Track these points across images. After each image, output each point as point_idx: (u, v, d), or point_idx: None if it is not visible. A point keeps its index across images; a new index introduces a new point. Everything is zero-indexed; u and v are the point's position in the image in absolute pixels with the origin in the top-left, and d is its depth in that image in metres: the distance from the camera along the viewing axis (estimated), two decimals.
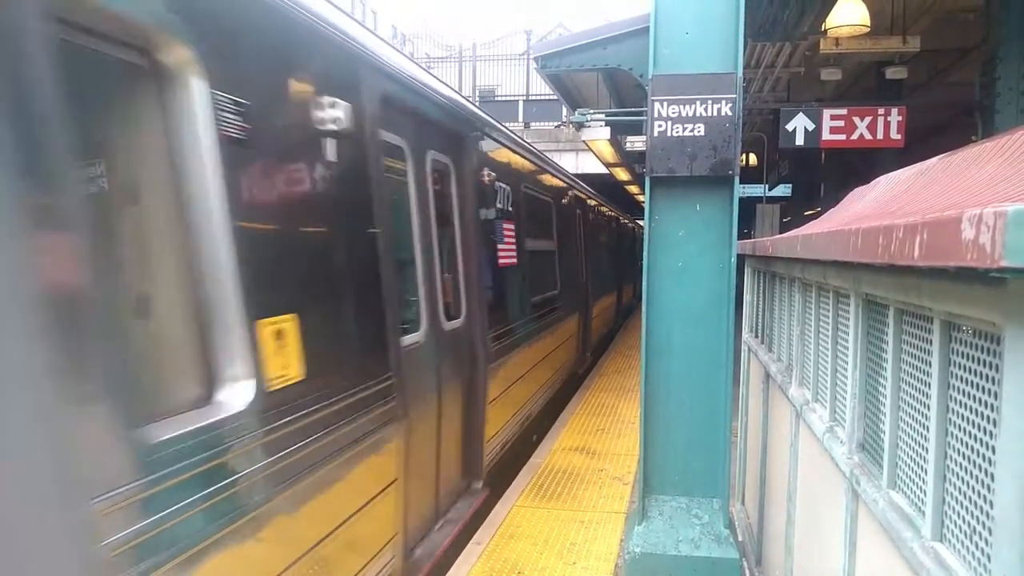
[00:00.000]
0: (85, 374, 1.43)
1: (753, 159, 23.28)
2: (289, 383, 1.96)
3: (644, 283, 4.01)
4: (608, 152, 10.68)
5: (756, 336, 4.85)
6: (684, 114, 3.80)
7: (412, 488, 3.19)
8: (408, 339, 3.12)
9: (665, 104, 3.79)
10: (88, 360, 1.43)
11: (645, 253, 4.03)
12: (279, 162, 2.06)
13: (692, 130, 3.85)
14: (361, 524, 2.38)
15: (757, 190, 21.34)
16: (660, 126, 3.82)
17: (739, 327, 4.80)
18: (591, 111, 7.80)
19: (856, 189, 3.62)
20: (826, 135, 8.46)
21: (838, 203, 3.81)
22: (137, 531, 1.55)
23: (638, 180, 17.66)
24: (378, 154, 2.72)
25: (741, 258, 4.86)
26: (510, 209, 5.31)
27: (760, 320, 4.56)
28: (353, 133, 2.43)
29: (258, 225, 1.98)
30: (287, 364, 2.01)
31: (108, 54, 1.71)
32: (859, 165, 14.86)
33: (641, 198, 29.38)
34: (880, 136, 8.27)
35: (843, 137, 8.45)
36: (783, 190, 20.99)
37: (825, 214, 3.99)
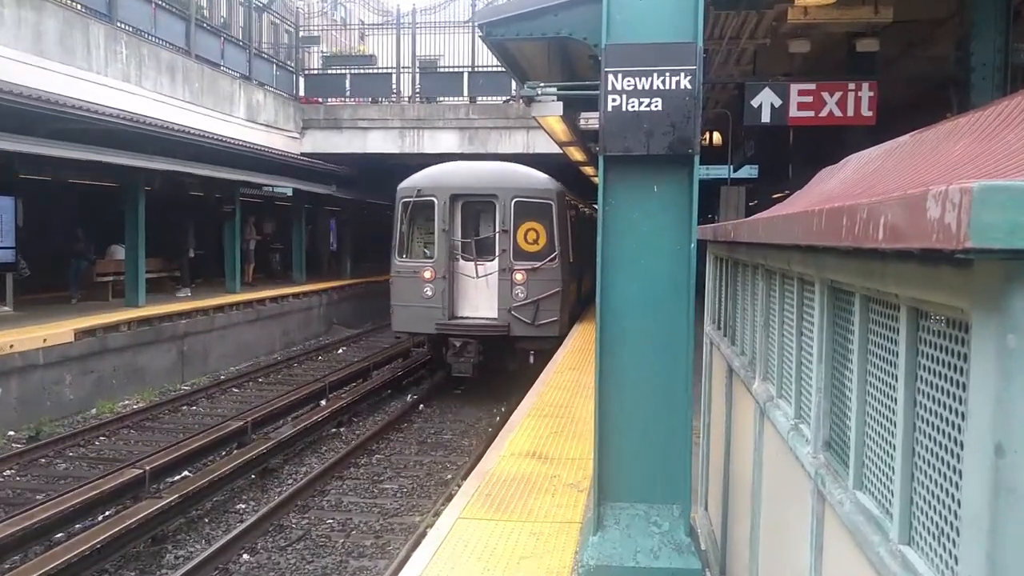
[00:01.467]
0: None
1: (717, 138, 23.55)
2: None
3: (598, 271, 4.02)
4: (560, 130, 10.68)
5: (718, 328, 4.90)
6: (640, 87, 3.81)
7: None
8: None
9: (620, 76, 3.79)
10: None
11: (599, 238, 4.03)
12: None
13: (649, 105, 3.85)
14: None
15: (721, 171, 21.63)
16: (614, 100, 3.83)
17: (700, 319, 4.86)
18: (542, 84, 7.79)
19: (824, 169, 3.69)
20: (794, 112, 8.61)
21: (806, 185, 3.87)
22: None
23: (594, 161, 17.72)
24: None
25: (703, 245, 4.92)
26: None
27: (722, 311, 4.62)
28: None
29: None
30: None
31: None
32: (829, 144, 15.15)
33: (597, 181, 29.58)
34: (851, 113, 8.47)
35: (812, 114, 8.62)
36: (749, 171, 21.31)
37: (792, 196, 4.05)
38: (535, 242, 14.75)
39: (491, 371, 15.31)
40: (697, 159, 3.89)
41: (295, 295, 22.63)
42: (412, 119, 25.01)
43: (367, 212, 35.17)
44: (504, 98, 25.22)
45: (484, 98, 25.80)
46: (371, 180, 29.59)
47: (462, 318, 14.87)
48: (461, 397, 15.25)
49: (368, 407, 14.49)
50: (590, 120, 9.66)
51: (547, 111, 8.61)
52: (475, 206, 14.89)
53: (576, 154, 14.41)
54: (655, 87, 3.80)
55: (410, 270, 14.93)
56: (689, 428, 4.10)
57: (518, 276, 14.53)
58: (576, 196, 18.57)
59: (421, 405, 14.75)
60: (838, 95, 8.52)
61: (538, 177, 15.16)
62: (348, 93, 26.24)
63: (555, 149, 22.33)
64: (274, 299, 21.25)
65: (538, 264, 14.66)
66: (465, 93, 25.39)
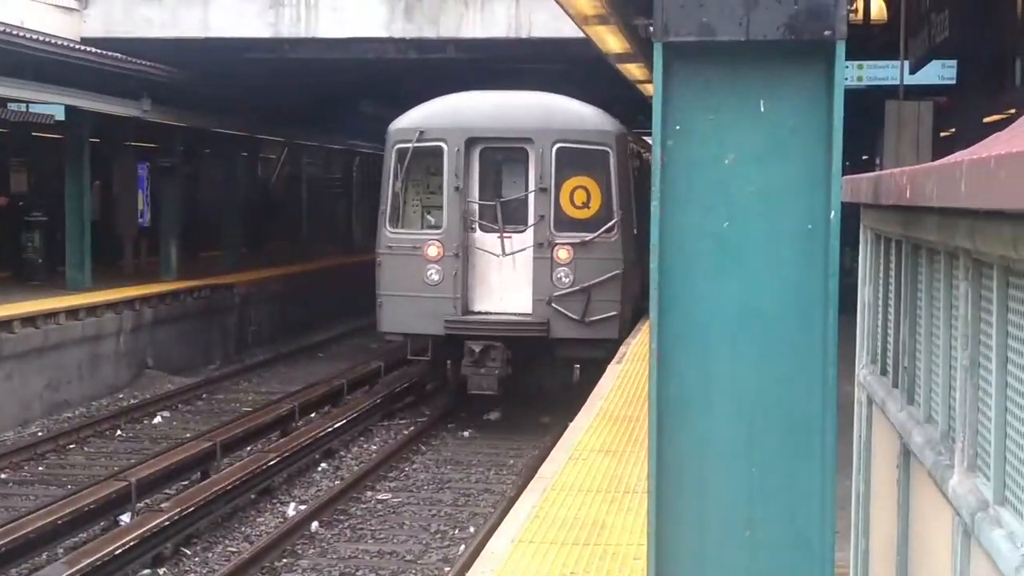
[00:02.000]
0: None
1: (878, 7, 23.76)
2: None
3: (652, 264, 4.05)
4: None
5: (882, 372, 4.94)
6: None
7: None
8: None
9: None
10: None
11: (655, 203, 4.06)
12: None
13: None
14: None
15: (885, 72, 21.78)
16: None
17: (847, 350, 4.87)
18: None
19: None
20: None
21: None
22: None
23: (644, 54, 17.73)
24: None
25: (850, 214, 4.92)
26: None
27: (893, 340, 4.64)
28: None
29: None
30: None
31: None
32: None
33: (650, 91, 29.54)
34: None
35: None
36: (939, 73, 21.52)
37: (1017, 124, 4.06)
38: (586, 205, 17.56)
39: (523, 387, 18.97)
40: (842, 49, 3.91)
41: (71, 313, 22.62)
42: None
43: (215, 152, 35.28)
44: None
45: None
46: (220, 90, 29.58)
47: (482, 313, 18.05)
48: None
49: (217, 522, 14.64)
50: None
51: None
52: (500, 155, 18.06)
53: (610, 40, 14.48)
54: None
55: (407, 245, 18.23)
56: (831, 564, 4.14)
57: (562, 253, 17.45)
58: (639, 138, 22.87)
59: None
60: None
61: (589, 113, 18.35)
62: None
63: (569, 32, 22.43)
64: (27, 322, 21.19)
65: (590, 236, 17.46)
66: None
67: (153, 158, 31.02)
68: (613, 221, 18.03)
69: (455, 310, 17.84)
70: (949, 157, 3.49)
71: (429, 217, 18.81)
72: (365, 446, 19.91)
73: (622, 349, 18.60)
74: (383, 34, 24.81)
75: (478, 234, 18.42)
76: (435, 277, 17.99)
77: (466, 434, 20.69)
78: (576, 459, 11.82)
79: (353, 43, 26.08)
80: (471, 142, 18.18)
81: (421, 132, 18.49)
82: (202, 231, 35.76)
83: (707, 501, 4.20)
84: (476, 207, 18.36)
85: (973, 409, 3.23)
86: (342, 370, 26.21)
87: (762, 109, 4.07)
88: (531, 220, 18.16)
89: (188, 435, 19.59)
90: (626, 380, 16.16)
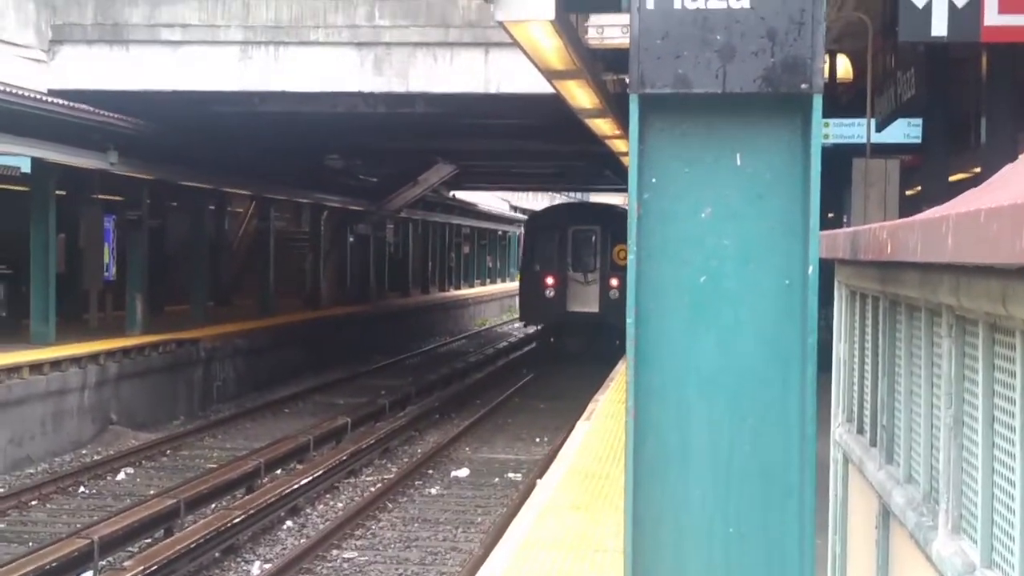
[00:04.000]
0: None
1: (844, 67, 23.93)
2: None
3: (629, 320, 4.00)
4: (552, 48, 10.74)
5: (859, 430, 4.90)
6: None
7: None
8: None
9: None
10: None
11: (630, 258, 4.02)
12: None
13: None
14: None
15: (852, 130, 21.91)
16: None
17: (823, 408, 4.82)
18: None
19: None
20: (993, 16, 8.75)
21: (1010, 159, 3.89)
22: None
23: (613, 105, 17.79)
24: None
25: (826, 270, 4.88)
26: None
27: (870, 398, 4.60)
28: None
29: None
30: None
31: None
32: None
33: (618, 147, 29.73)
34: None
35: None
36: (905, 130, 21.68)
37: (993, 180, 4.04)
38: (625, 259, 32.53)
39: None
40: (819, 102, 3.89)
41: (35, 367, 22.42)
42: (265, 25, 25.08)
43: (182, 205, 35.17)
44: None
45: None
46: (187, 142, 29.53)
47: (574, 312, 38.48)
48: None
49: None
50: (606, 30, 9.68)
51: (524, 12, 8.67)
52: (583, 235, 39.08)
53: (580, 95, 14.53)
54: None
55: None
56: None
57: (613, 282, 36.75)
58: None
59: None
60: None
61: (625, 210, 35.98)
62: None
63: (538, 87, 22.49)
64: None
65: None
66: None
67: (119, 211, 30.86)
68: None
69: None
70: (928, 211, 3.46)
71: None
72: (331, 503, 19.73)
73: (590, 406, 18.75)
74: (353, 88, 24.86)
75: (573, 271, 39.82)
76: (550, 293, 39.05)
77: (433, 491, 20.58)
78: (546, 516, 11.73)
79: (322, 97, 26.14)
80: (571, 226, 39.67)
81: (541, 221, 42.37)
82: (168, 285, 35.61)
83: (684, 559, 4.14)
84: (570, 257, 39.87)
85: (957, 469, 3.18)
86: (308, 426, 26.02)
87: (738, 162, 4.04)
88: (601, 265, 39.04)
89: (152, 492, 19.34)
90: (594, 437, 16.11)
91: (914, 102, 17.00)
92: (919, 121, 20.43)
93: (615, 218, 38.24)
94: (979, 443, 2.97)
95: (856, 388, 4.89)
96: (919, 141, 20.85)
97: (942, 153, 19.98)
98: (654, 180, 4.06)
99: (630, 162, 4.02)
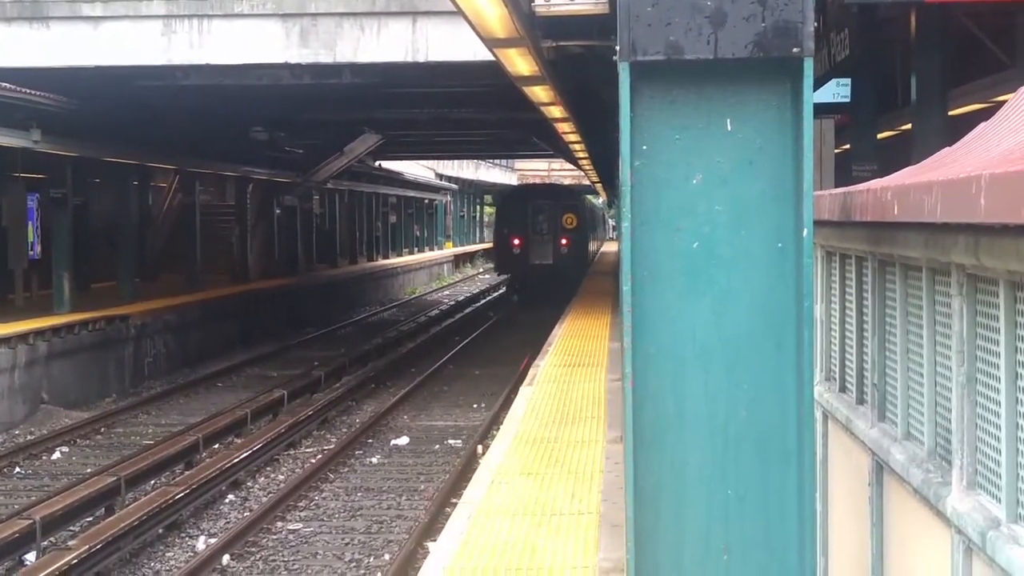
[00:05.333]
0: None
1: None
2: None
3: (625, 288, 3.99)
4: (497, 16, 10.67)
5: (841, 388, 4.93)
6: None
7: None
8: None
9: None
10: None
11: (623, 225, 4.01)
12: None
13: None
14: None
15: None
16: None
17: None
18: None
19: (1019, 95, 3.72)
20: None
21: (939, 117, 3.91)
22: None
23: (555, 77, 17.81)
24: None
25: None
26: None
27: (855, 357, 4.62)
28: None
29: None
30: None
31: None
32: (991, 39, 15.61)
33: (565, 128, 29.70)
34: None
35: None
36: (834, 90, 21.81)
37: (969, 138, 4.06)
38: (571, 223, 50.84)
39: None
40: (811, 66, 3.90)
41: None
42: None
43: (106, 180, 34.68)
44: None
45: None
46: (111, 118, 29.08)
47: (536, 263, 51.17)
48: None
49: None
50: None
51: None
52: (544, 206, 52.08)
53: (519, 63, 14.47)
54: None
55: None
56: None
57: (563, 241, 50.71)
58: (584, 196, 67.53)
59: None
60: None
61: (572, 189, 60.28)
62: None
63: (466, 55, 22.37)
64: None
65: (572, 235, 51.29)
66: None
67: (43, 189, 30.35)
68: (583, 227, 51.62)
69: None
70: (943, 170, 3.46)
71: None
72: (272, 476, 19.63)
73: (532, 371, 18.79)
74: (278, 59, 24.56)
75: (533, 233, 50.58)
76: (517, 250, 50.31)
77: (374, 460, 20.56)
78: (498, 483, 11.70)
79: (248, 69, 25.82)
80: (531, 201, 51.46)
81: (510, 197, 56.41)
82: (94, 262, 35.13)
83: (684, 525, 4.15)
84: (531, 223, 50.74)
85: (971, 426, 3.20)
86: (243, 399, 25.84)
87: (729, 128, 4.03)
88: (553, 230, 50.26)
89: (89, 470, 19.14)
90: (539, 402, 16.12)
91: (848, 62, 17.14)
92: (848, 81, 20.60)
93: (564, 194, 54.53)
94: (1002, 400, 2.99)
95: (836, 347, 4.91)
96: (848, 100, 21.03)
97: (870, 112, 20.21)
98: (645, 148, 4.04)
99: (621, 131, 3.99)
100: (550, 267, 50.07)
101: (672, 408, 4.07)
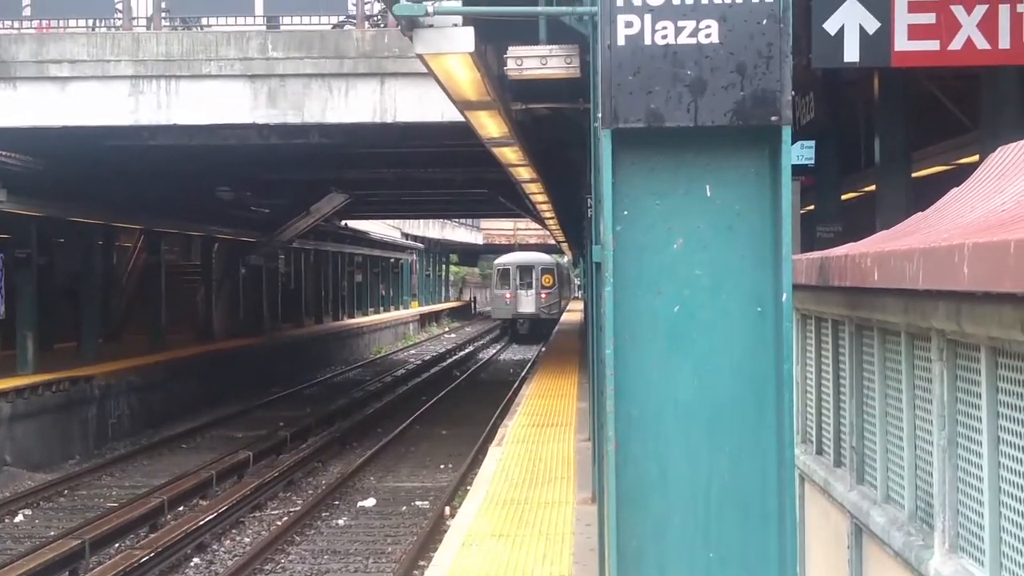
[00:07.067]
0: None
1: None
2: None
3: (608, 351, 4.02)
4: (469, 80, 10.75)
5: (818, 451, 4.96)
6: (679, 0, 3.84)
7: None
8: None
9: None
10: None
11: (605, 288, 4.04)
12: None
13: (696, 33, 3.91)
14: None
15: None
16: (630, 26, 3.84)
17: None
18: None
19: (989, 162, 3.79)
20: (903, 42, 8.94)
21: (903, 179, 3.98)
22: None
23: (524, 137, 17.90)
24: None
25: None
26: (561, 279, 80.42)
27: (832, 419, 4.66)
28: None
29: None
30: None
31: None
32: (953, 102, 15.82)
33: (533, 189, 29.76)
34: (1006, 43, 8.84)
35: (935, 46, 8.97)
36: (798, 152, 21.99)
37: (915, 218, 4.13)
38: (550, 282, 72.76)
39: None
40: (788, 133, 3.96)
41: None
42: (156, 59, 24.74)
43: (71, 240, 34.53)
44: (335, 19, 25.29)
45: (294, 20, 25.80)
46: (77, 178, 29.03)
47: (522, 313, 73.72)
48: None
49: None
50: (525, 61, 9.72)
51: (445, 45, 8.69)
52: (526, 270, 74.37)
53: (489, 125, 14.57)
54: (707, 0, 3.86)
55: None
56: None
57: (543, 296, 72.37)
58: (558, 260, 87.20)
59: None
60: (983, 10, 8.89)
61: (550, 258, 78.89)
62: (28, 11, 25.81)
63: (438, 115, 22.48)
64: None
65: (550, 291, 73.18)
66: (259, 9, 25.37)
67: (7, 249, 30.20)
68: (557, 286, 73.29)
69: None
70: (920, 237, 3.52)
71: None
72: (238, 538, 19.48)
73: (500, 431, 18.80)
74: (246, 120, 24.59)
75: (520, 290, 71.35)
76: (509, 301, 70.95)
77: (341, 522, 20.44)
78: (469, 544, 11.70)
79: (215, 129, 25.86)
80: (520, 267, 72.38)
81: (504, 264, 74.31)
82: (57, 322, 34.88)
83: None
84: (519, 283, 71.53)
85: (953, 489, 3.24)
86: (208, 461, 25.67)
87: (708, 193, 4.09)
88: (536, 287, 71.17)
89: (53, 533, 18.93)
90: (509, 462, 16.11)
91: (814, 125, 17.34)
92: (812, 143, 20.80)
93: (543, 261, 74.09)
94: (984, 463, 3.04)
95: (812, 410, 4.96)
96: (812, 162, 21.21)
97: (835, 173, 20.40)
98: (626, 213, 4.10)
99: (604, 196, 4.05)
100: (533, 314, 70.78)
101: (655, 471, 4.10)
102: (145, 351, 35.39)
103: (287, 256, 51.71)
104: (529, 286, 71.47)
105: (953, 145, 18.70)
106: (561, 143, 21.19)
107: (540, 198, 33.79)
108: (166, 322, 38.35)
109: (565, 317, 69.50)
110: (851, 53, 9.21)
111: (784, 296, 3.97)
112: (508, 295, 71.48)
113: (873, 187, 17.80)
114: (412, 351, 65.59)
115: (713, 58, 4.01)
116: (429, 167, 35.96)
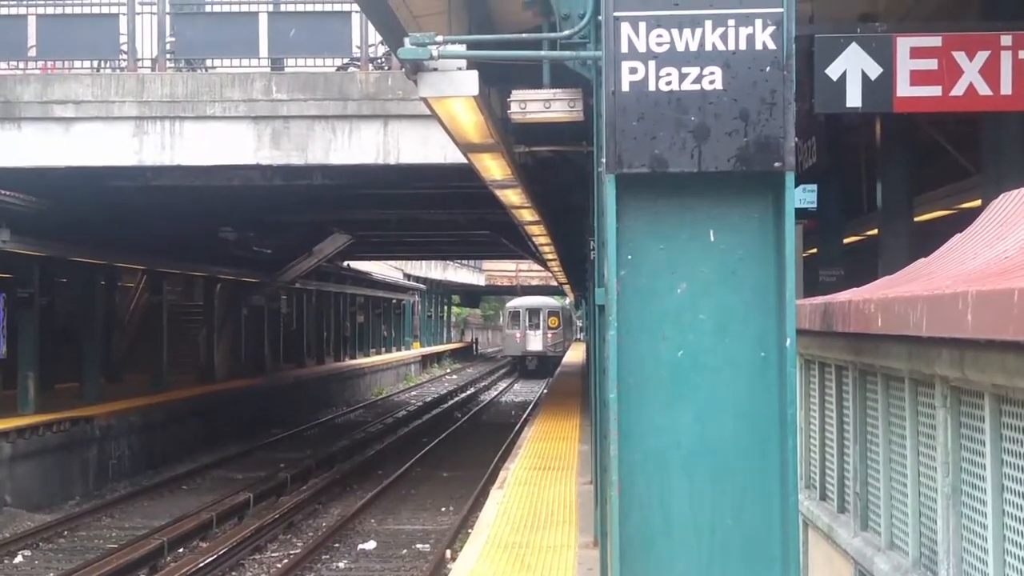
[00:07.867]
0: None
1: None
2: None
3: (611, 396, 4.01)
4: (473, 124, 10.79)
5: (821, 496, 4.95)
6: (683, 47, 3.85)
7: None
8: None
9: (643, 27, 3.81)
10: None
11: (609, 332, 4.05)
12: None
13: (700, 79, 3.93)
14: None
15: None
16: (635, 72, 3.86)
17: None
18: (439, 38, 7.87)
19: (991, 209, 3.81)
20: (905, 88, 8.98)
21: (905, 223, 4.00)
22: None
23: (527, 179, 17.97)
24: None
25: None
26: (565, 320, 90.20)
27: (836, 465, 4.65)
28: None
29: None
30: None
31: None
32: (955, 147, 15.86)
33: (535, 231, 29.88)
34: (1008, 89, 8.89)
35: (937, 92, 9.01)
36: (800, 196, 22.04)
37: (918, 264, 4.14)
38: (556, 324, 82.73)
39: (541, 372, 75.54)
40: (792, 179, 3.98)
41: None
42: (160, 100, 24.86)
43: (73, 280, 34.58)
44: (339, 62, 25.41)
45: (299, 62, 25.93)
46: (80, 218, 29.11)
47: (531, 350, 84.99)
48: None
49: None
50: (528, 105, 9.77)
51: (450, 89, 8.73)
52: (535, 312, 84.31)
53: (493, 167, 14.62)
54: (711, 46, 3.86)
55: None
56: None
57: (550, 336, 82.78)
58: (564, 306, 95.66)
59: None
60: (985, 56, 8.94)
61: (556, 302, 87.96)
62: (33, 52, 25.95)
63: (441, 157, 22.57)
64: None
65: (556, 331, 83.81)
66: (263, 51, 25.50)
67: (9, 288, 30.22)
68: (561, 327, 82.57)
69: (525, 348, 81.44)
70: (924, 283, 3.53)
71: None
72: None
73: (502, 474, 18.77)
74: (250, 161, 24.67)
75: (529, 330, 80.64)
76: (519, 340, 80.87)
77: (341, 565, 20.36)
78: None
79: (219, 170, 25.95)
80: (529, 309, 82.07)
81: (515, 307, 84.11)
82: (59, 362, 34.86)
83: None
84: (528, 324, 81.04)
85: (957, 536, 3.23)
86: (208, 502, 25.59)
87: (712, 238, 4.11)
88: (543, 328, 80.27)
89: (52, 575, 18.88)
90: (511, 505, 16.06)
91: (815, 169, 17.37)
92: (814, 187, 20.83)
93: (550, 305, 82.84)
94: (988, 511, 3.03)
95: (816, 455, 4.96)
96: (814, 206, 21.24)
97: (837, 218, 20.42)
98: (630, 257, 4.11)
99: (608, 241, 4.06)
100: (540, 352, 79.71)
101: (659, 516, 4.09)
102: (146, 391, 35.34)
103: (289, 297, 51.73)
104: (537, 327, 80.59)
105: (955, 190, 18.72)
106: (563, 185, 21.28)
107: (542, 240, 33.87)
108: (168, 362, 38.30)
109: (566, 359, 71.63)
110: (853, 99, 9.25)
111: (788, 341, 3.98)
112: (518, 335, 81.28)
113: (875, 231, 17.81)
114: (413, 392, 65.45)
115: (717, 104, 4.04)
116: (432, 208, 36.06)
